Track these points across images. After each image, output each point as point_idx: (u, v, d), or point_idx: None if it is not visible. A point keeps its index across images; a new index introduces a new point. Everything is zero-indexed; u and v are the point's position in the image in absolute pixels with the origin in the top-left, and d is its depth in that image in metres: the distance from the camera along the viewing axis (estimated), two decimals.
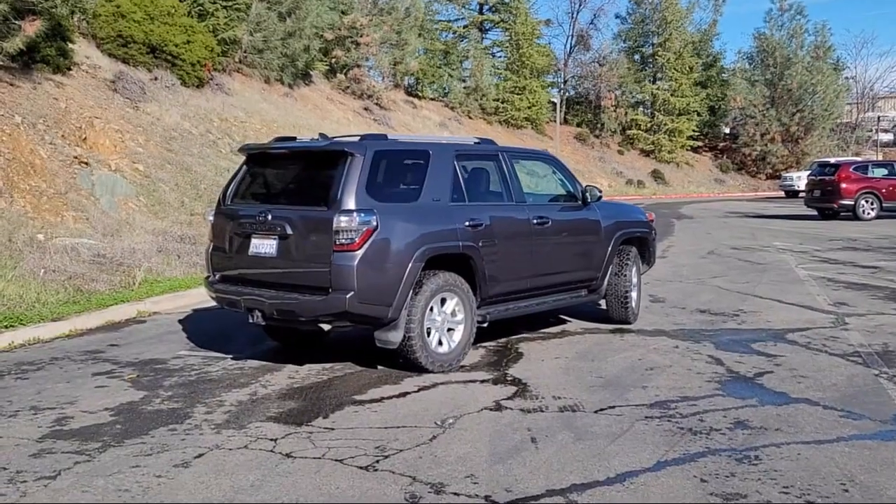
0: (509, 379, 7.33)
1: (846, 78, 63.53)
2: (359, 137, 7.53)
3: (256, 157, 8.05)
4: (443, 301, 7.61)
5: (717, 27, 62.48)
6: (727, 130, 63.86)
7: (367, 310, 7.04)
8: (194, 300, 11.29)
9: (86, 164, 17.31)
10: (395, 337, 7.25)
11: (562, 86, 59.48)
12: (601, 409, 6.36)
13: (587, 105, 58.84)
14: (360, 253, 6.90)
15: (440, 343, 7.63)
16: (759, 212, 33.23)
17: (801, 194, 44.20)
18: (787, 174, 48.77)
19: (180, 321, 10.12)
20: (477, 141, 8.64)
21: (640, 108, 59.16)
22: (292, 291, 7.21)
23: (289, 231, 7.17)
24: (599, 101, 57.30)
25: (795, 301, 11.25)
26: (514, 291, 8.38)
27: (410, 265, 7.15)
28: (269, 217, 7.32)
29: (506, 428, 5.94)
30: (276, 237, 7.30)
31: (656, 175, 54.02)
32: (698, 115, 58.04)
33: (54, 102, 18.92)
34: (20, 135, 16.09)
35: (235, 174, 8.04)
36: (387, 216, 7.07)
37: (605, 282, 9.36)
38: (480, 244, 7.78)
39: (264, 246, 7.40)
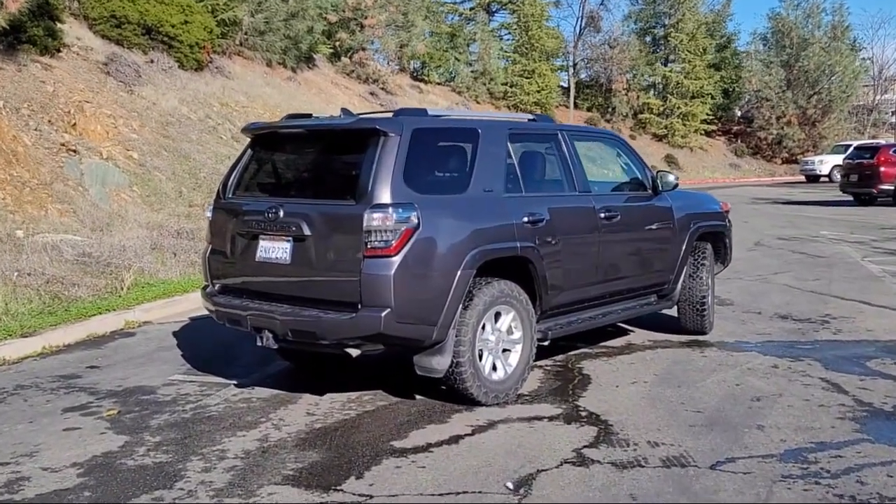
0: (584, 414, 5.83)
1: (863, 59, 61.80)
2: (392, 113, 5.99)
3: (264, 140, 6.52)
4: (496, 316, 6.13)
5: (730, 7, 60.73)
6: (740, 114, 62.20)
7: (406, 330, 5.54)
8: (190, 307, 9.79)
9: (74, 151, 15.84)
10: (440, 363, 5.75)
11: (571, 69, 57.81)
12: (719, 464, 4.87)
13: (598, 89, 57.14)
14: (397, 259, 5.40)
15: (494, 368, 6.15)
16: (786, 197, 31.64)
17: (823, 179, 42.79)
18: (807, 158, 47.13)
19: (174, 333, 8.62)
20: (531, 118, 7.10)
21: (653, 92, 57.42)
22: (311, 307, 5.73)
23: (306, 231, 5.66)
24: (610, 85, 55.58)
25: (887, 304, 9.72)
26: (578, 301, 6.88)
27: (460, 273, 5.65)
28: (281, 214, 5.80)
29: (600, 495, 4.43)
30: (290, 239, 5.80)
31: (670, 160, 52.37)
32: (712, 98, 56.33)
33: (41, 86, 17.40)
34: (1, 120, 14.59)
35: (238, 161, 6.51)
36: (430, 211, 5.57)
37: (679, 285, 7.83)
38: (541, 244, 6.29)
39: (275, 250, 5.89)
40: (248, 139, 6.59)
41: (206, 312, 7.46)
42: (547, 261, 6.37)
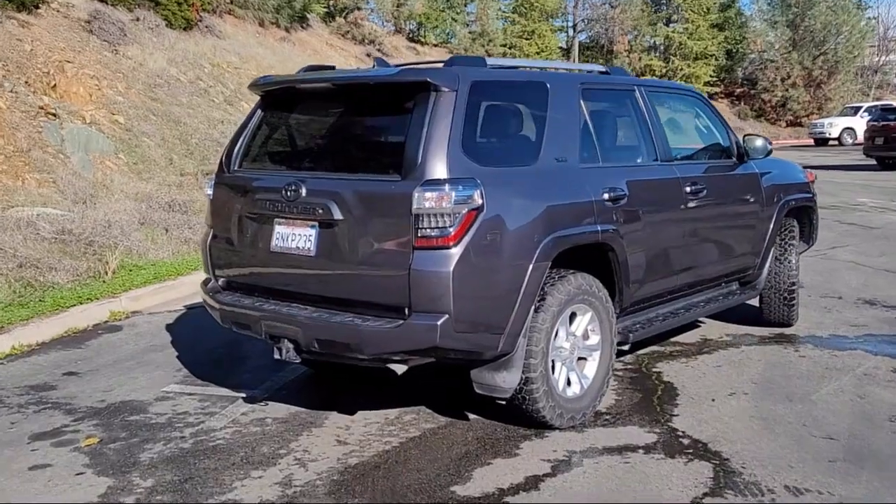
0: (686, 442, 4.63)
1: (869, 18, 60.27)
2: (443, 63, 4.70)
3: (278, 98, 5.23)
4: (571, 318, 4.87)
5: None
6: (743, 76, 60.70)
7: (468, 341, 4.32)
8: (185, 292, 8.54)
9: (54, 115, 14.49)
10: (507, 380, 4.53)
11: (572, 30, 56.23)
12: None
13: (598, 50, 55.54)
14: (457, 250, 4.16)
15: (568, 382, 4.93)
16: (802, 161, 30.26)
17: (832, 142, 41.49)
18: (816, 121, 45.76)
19: (168, 327, 7.36)
20: (603, 70, 5.78)
21: (655, 53, 55.92)
22: (344, 310, 4.48)
23: (336, 214, 4.40)
24: (612, 46, 54.00)
25: None
26: (659, 294, 5.68)
27: (532, 266, 4.42)
28: (303, 192, 4.54)
29: None
30: (315, 224, 4.54)
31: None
32: (715, 59, 54.84)
33: (17, 44, 15.97)
34: None
35: (245, 124, 5.22)
36: (495, 189, 4.33)
37: (765, 270, 6.59)
38: (622, 226, 5.05)
39: (296, 238, 4.63)
40: (258, 97, 5.27)
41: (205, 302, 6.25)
42: (629, 246, 5.14)
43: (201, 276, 9.11)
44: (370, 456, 4.54)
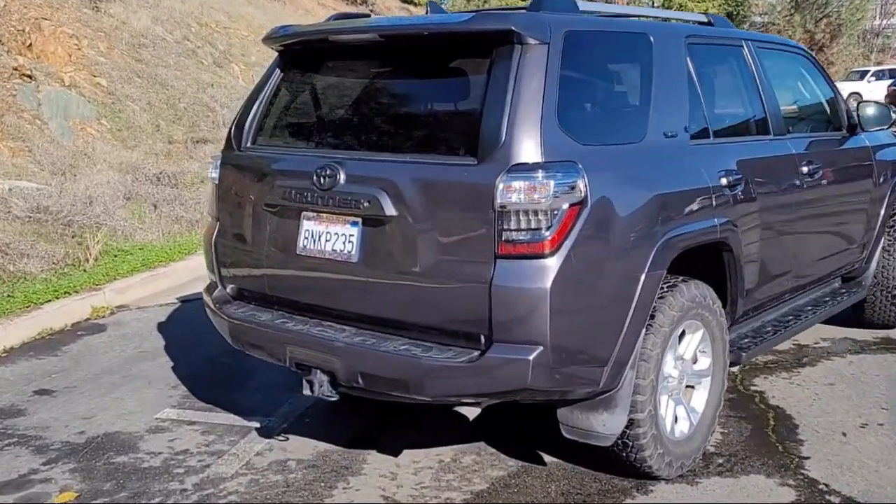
0: (835, 501, 3.53)
1: None
2: (524, 8, 3.56)
3: (303, 54, 4.07)
4: (679, 338, 3.77)
5: None
6: None
7: (566, 378, 3.21)
8: (178, 281, 7.45)
9: (29, 77, 13.26)
10: (608, 423, 3.46)
11: None
12: None
13: None
14: (555, 261, 3.06)
15: (675, 419, 3.81)
16: None
17: None
18: None
19: (160, 327, 6.26)
20: (704, 19, 4.63)
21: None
22: (395, 335, 3.35)
23: (387, 209, 3.29)
24: None
25: None
26: (768, 300, 4.58)
27: (645, 276, 3.34)
28: (341, 178, 3.42)
29: None
30: (358, 221, 3.43)
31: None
32: None
33: None
34: None
35: (259, 89, 4.07)
36: (599, 175, 3.24)
37: (872, 264, 5.52)
38: (740, 219, 3.94)
39: (331, 238, 3.52)
40: (276, 54, 4.10)
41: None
42: (745, 244, 4.04)
43: (196, 261, 8.03)
44: None
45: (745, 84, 4.49)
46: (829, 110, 5.28)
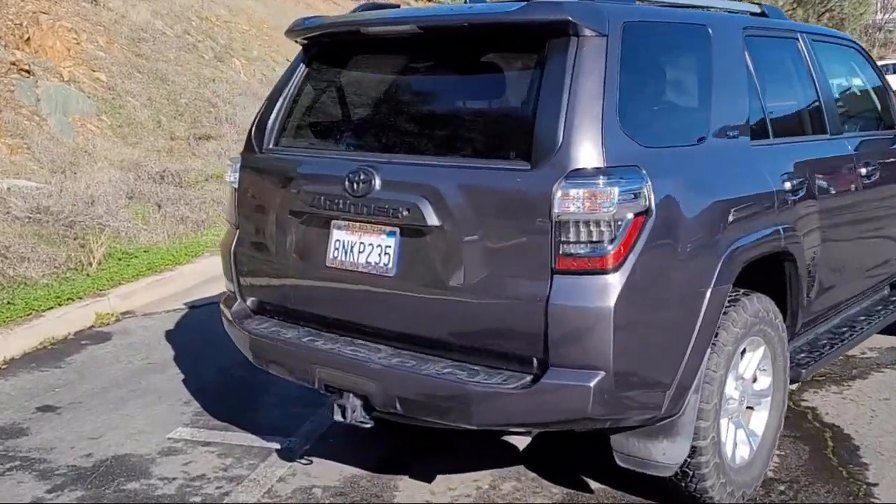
0: None
1: None
2: None
3: (331, 47, 3.73)
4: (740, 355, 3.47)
5: None
6: None
7: (625, 405, 2.90)
8: (185, 285, 7.14)
9: (28, 72, 12.97)
10: (669, 452, 3.16)
11: None
12: None
13: None
14: (619, 277, 2.77)
15: (735, 443, 3.50)
16: None
17: None
18: None
19: (168, 335, 5.95)
20: (758, 10, 4.30)
21: None
22: (438, 355, 3.06)
23: (429, 218, 2.98)
24: None
25: None
26: (825, 311, 4.26)
27: (711, 292, 3.04)
28: (377, 184, 3.11)
29: None
30: (396, 231, 3.11)
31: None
32: None
33: None
34: None
35: (284, 85, 3.75)
36: (663, 181, 2.93)
37: None
38: (802, 226, 3.62)
39: (365, 249, 3.21)
40: (300, 47, 3.78)
41: (210, 293, 4.93)
42: (808, 253, 3.73)
43: (203, 264, 7.72)
44: None
45: (801, 80, 4.18)
46: (880, 107, 4.97)
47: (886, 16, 63.40)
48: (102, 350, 5.71)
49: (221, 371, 5.20)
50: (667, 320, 3.01)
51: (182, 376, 5.20)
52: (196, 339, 5.88)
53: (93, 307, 6.33)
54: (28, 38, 13.92)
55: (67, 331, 6.01)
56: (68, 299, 6.33)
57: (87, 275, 6.86)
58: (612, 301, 2.78)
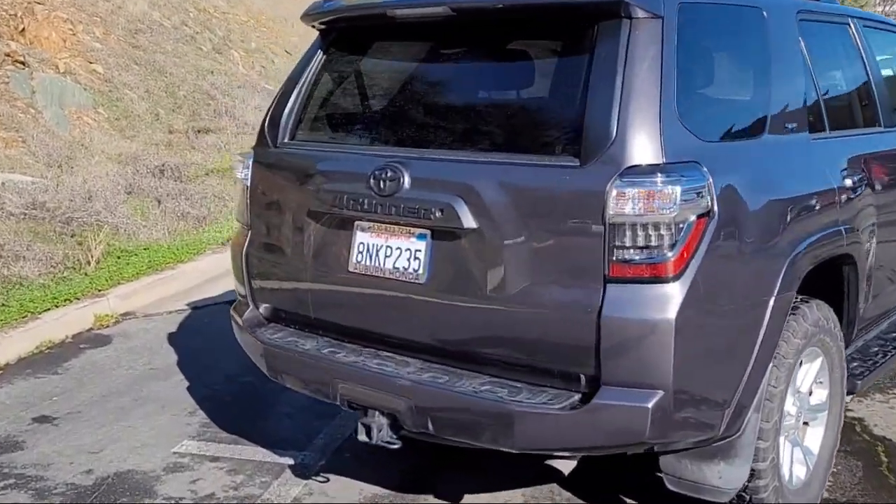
0: None
1: None
2: None
3: (352, 33, 3.43)
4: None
5: None
6: None
7: (681, 426, 2.60)
8: (187, 285, 6.86)
9: (22, 63, 12.66)
10: (727, 475, 2.90)
11: None
12: None
13: None
14: (681, 286, 2.50)
15: (791, 463, 3.22)
16: None
17: None
18: None
19: (170, 338, 5.66)
20: None
21: None
22: (475, 370, 2.77)
23: (464, 220, 2.70)
24: None
25: None
26: (878, 316, 4.00)
27: (774, 300, 2.74)
28: (405, 181, 2.83)
29: None
30: (427, 234, 2.82)
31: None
32: None
33: None
34: None
35: (298, 74, 3.46)
36: (724, 178, 2.61)
37: None
38: (860, 225, 3.34)
39: (392, 253, 2.93)
40: (318, 32, 3.48)
41: (214, 293, 4.66)
42: (867, 255, 3.45)
43: (205, 262, 7.42)
44: None
45: (853, 69, 3.90)
46: None
47: (887, 7, 63.12)
48: (102, 354, 5.42)
49: (228, 377, 4.92)
50: (728, 333, 2.73)
51: (186, 383, 4.91)
52: (200, 342, 5.60)
53: (91, 308, 6.04)
54: (23, 29, 13.62)
55: (65, 334, 5.72)
56: (66, 300, 6.04)
57: (85, 274, 6.57)
58: (672, 313, 2.50)
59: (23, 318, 5.68)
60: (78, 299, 6.12)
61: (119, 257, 7.03)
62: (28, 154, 10.53)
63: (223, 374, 4.97)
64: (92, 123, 12.62)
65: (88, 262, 6.70)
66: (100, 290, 6.34)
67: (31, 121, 11.48)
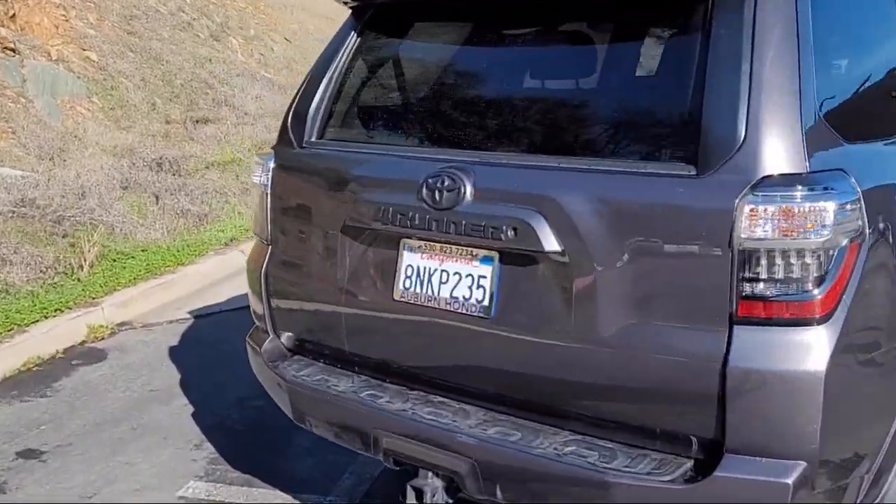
0: None
1: None
2: None
3: (395, 11, 2.85)
4: None
5: None
6: None
7: (821, 499, 2.03)
8: (189, 289, 6.32)
9: (13, 51, 12.18)
10: None
11: None
12: None
13: None
14: (832, 331, 1.93)
15: None
16: None
17: None
18: None
19: (171, 353, 5.13)
20: None
21: None
22: (554, 425, 2.20)
23: (544, 241, 2.15)
24: None
25: None
26: None
27: None
28: (467, 192, 2.27)
29: None
30: (493, 256, 2.26)
31: None
32: None
33: None
34: None
35: (328, 61, 2.88)
36: (871, 192, 2.01)
37: None
38: None
39: (450, 279, 2.38)
40: (349, 11, 2.90)
41: (218, 300, 4.19)
42: None
43: (208, 264, 6.87)
44: None
45: None
46: None
47: None
48: (96, 373, 4.88)
49: (238, 401, 4.38)
50: (877, 385, 2.19)
51: (191, 408, 4.37)
52: (204, 357, 5.05)
53: (84, 319, 5.50)
54: (13, 15, 13.11)
55: (55, 348, 5.18)
56: (56, 310, 5.50)
57: (78, 280, 6.01)
58: (822, 364, 1.96)
59: (8, 331, 5.14)
60: (70, 308, 5.58)
61: (115, 260, 6.48)
62: (18, 146, 9.99)
63: (232, 397, 4.43)
64: (85, 113, 12.09)
65: (81, 267, 6.15)
66: (94, 298, 5.80)
67: (22, 110, 10.96)
